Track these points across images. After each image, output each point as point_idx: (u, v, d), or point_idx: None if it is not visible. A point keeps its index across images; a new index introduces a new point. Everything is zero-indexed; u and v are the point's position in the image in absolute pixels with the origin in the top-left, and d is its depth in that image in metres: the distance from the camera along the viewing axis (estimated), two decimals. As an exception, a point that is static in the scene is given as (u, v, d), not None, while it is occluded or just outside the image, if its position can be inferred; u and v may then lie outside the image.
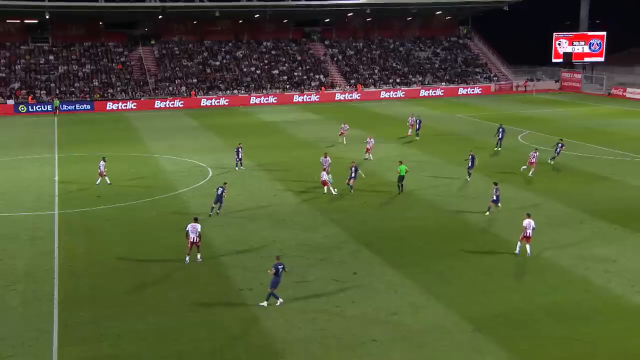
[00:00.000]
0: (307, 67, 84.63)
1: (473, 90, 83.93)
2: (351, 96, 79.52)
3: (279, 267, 20.44)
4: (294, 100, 77.55)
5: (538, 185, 34.64)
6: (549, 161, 39.35)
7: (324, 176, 33.98)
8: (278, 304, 20.36)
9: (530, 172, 36.36)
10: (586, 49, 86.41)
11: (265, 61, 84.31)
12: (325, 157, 36.51)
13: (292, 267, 23.65)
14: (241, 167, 39.65)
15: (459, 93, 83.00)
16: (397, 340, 18.35)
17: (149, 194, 34.11)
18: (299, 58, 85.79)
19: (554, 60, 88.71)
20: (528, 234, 23.97)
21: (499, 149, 44.45)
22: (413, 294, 21.31)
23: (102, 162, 36.25)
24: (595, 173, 37.39)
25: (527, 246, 24.20)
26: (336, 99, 78.80)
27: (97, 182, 35.91)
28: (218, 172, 39.00)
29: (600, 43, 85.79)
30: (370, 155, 42.05)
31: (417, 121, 50.18)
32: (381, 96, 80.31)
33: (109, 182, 36.01)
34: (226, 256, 24.68)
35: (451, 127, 54.86)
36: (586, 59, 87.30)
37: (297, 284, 22.17)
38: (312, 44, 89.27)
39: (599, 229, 27.65)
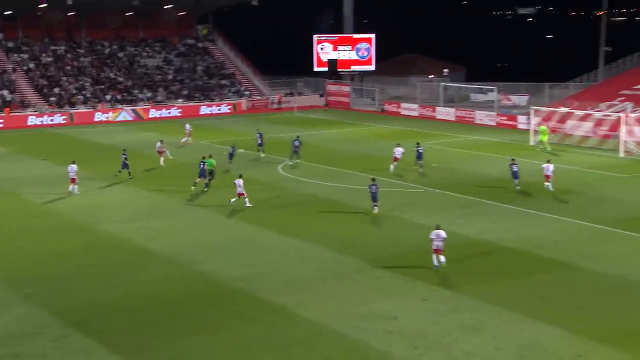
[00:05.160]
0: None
1: (219, 109, 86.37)
2: (52, 119, 77.29)
3: None
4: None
5: (305, 230, 36.34)
6: (517, 187, 44.27)
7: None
8: None
9: (546, 185, 43.61)
10: (353, 55, 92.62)
11: None
12: None
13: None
14: None
15: (201, 113, 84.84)
16: None
17: None
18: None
19: (316, 69, 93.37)
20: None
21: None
22: (144, 388, 21.06)
23: None
24: (371, 210, 40.07)
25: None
26: (29, 123, 76.33)
27: None
28: None
29: (368, 48, 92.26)
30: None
31: (297, 141, 54.31)
32: (95, 119, 79.25)
33: None
34: None
35: (190, 157, 55.04)
36: (354, 68, 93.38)
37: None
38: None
39: (378, 279, 29.72)
